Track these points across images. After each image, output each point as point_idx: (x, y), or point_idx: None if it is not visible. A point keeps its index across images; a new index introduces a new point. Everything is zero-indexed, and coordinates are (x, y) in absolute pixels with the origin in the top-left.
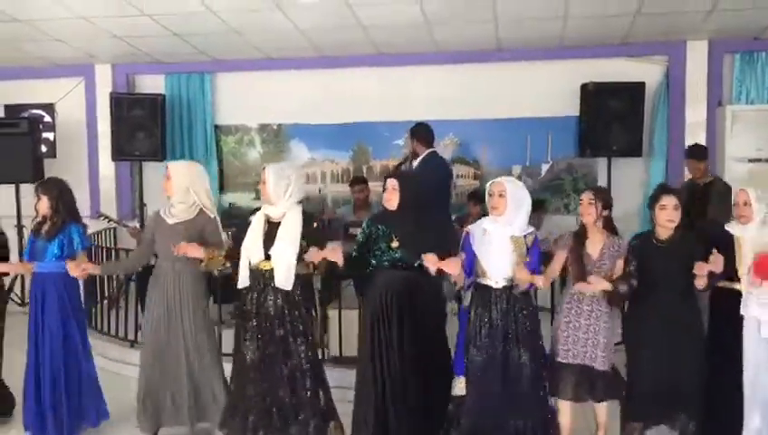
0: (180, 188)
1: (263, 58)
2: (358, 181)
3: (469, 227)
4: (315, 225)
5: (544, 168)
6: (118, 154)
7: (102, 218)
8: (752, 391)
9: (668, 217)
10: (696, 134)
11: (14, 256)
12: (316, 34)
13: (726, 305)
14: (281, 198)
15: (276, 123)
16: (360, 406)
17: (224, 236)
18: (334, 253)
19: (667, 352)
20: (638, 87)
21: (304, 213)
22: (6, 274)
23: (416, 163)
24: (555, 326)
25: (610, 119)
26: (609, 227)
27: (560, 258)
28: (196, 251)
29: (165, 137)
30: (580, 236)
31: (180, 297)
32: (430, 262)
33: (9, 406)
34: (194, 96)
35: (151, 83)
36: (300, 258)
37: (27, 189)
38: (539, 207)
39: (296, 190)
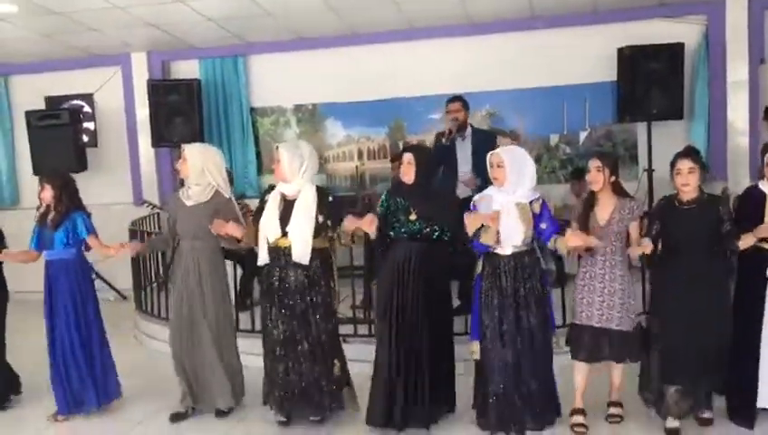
0: (195, 170)
1: (295, 38)
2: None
3: (475, 197)
4: (330, 199)
5: (582, 135)
6: (157, 140)
7: (146, 205)
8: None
9: (683, 181)
10: (738, 93)
11: None
12: (348, 12)
13: (753, 265)
14: (295, 176)
15: (311, 103)
16: (377, 374)
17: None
18: (369, 223)
19: (694, 314)
20: (677, 48)
21: (318, 189)
22: None
23: (468, 134)
24: (574, 290)
25: (649, 82)
26: (619, 191)
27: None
28: (235, 229)
29: (202, 121)
30: (589, 202)
31: (200, 276)
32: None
33: (16, 386)
34: (228, 80)
35: (186, 69)
36: (317, 234)
37: None
38: (580, 175)
39: (310, 167)
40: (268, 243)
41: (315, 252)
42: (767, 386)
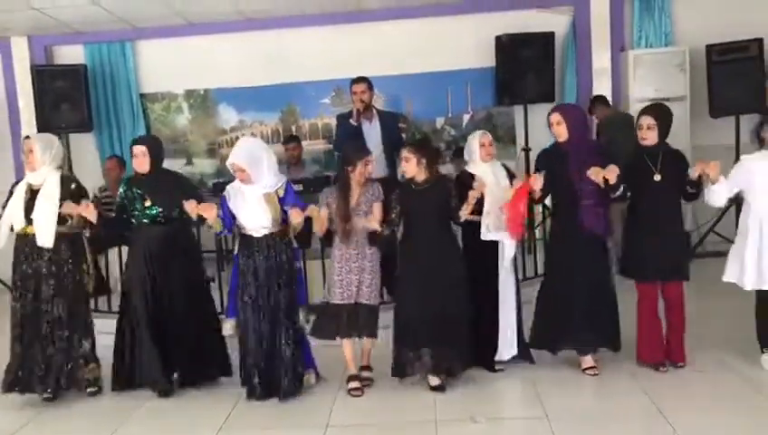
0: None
1: (185, 24)
2: (291, 140)
3: (227, 187)
4: (73, 186)
5: (466, 118)
6: (44, 128)
7: None
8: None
9: (402, 166)
10: (601, 79)
11: None
12: None
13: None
14: (45, 165)
15: (203, 88)
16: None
17: None
18: (88, 210)
19: (430, 285)
20: (548, 37)
21: (62, 177)
22: None
23: (374, 116)
24: (330, 274)
25: (524, 68)
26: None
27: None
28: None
29: (90, 108)
30: (346, 188)
31: None
32: (191, 208)
33: None
34: (116, 65)
35: (71, 54)
36: (63, 219)
37: None
38: (461, 155)
39: (57, 156)
40: (13, 231)
41: (63, 237)
42: (504, 345)
